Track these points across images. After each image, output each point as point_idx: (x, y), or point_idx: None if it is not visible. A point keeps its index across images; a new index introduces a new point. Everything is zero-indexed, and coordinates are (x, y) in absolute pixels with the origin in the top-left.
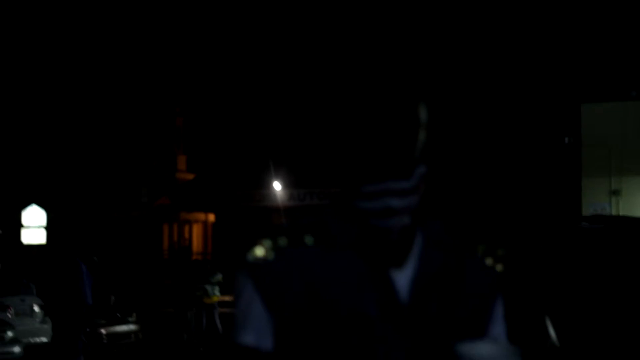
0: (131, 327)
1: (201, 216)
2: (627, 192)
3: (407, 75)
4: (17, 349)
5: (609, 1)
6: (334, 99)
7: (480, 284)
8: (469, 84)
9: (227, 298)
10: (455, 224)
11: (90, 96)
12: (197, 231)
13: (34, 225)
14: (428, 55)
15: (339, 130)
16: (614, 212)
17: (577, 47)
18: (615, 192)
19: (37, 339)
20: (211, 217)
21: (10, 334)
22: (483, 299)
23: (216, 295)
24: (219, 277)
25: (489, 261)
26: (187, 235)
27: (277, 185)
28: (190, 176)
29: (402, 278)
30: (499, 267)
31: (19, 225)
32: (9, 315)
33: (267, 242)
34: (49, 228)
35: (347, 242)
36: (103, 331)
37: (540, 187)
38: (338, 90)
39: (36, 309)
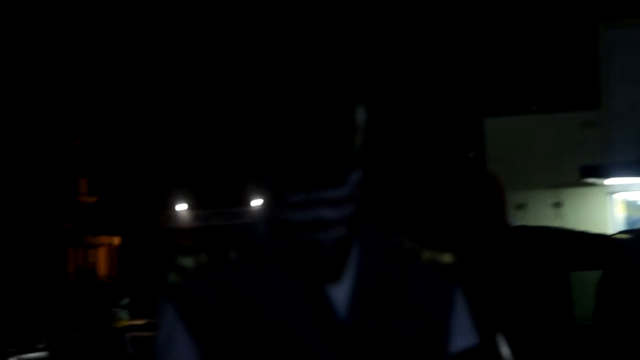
0: (41, 354)
1: (106, 239)
2: (532, 206)
3: (342, 72)
4: None
5: (507, 16)
6: (258, 97)
7: (430, 295)
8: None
9: (137, 322)
10: (396, 231)
11: None
12: (102, 255)
13: None
14: (364, 53)
15: (262, 131)
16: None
17: (478, 61)
18: (521, 206)
19: None
20: (116, 240)
21: None
22: (435, 312)
23: (125, 319)
24: (127, 300)
25: (437, 269)
26: (92, 259)
27: (181, 207)
28: (93, 199)
29: (339, 294)
30: (451, 274)
31: None
32: None
33: (188, 261)
34: None
35: (275, 256)
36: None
37: (450, 200)
38: (262, 88)
39: None
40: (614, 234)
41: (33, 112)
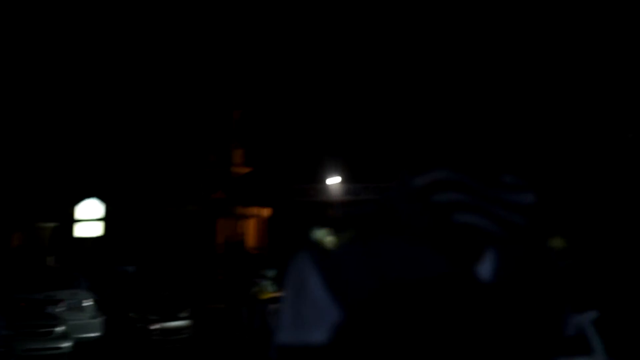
0: (183, 322)
1: (256, 211)
2: None
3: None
4: (66, 344)
5: None
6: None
7: (557, 279)
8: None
9: (282, 294)
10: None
11: (147, 90)
12: (252, 226)
13: (89, 218)
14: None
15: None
16: None
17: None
18: None
19: (88, 335)
20: (266, 212)
21: (60, 328)
22: (560, 296)
23: (270, 291)
24: (274, 272)
25: (560, 254)
26: (241, 229)
27: (332, 180)
28: (246, 170)
29: (485, 273)
30: (567, 261)
31: (72, 219)
32: (61, 310)
33: (329, 233)
34: (106, 220)
35: (421, 232)
36: (155, 327)
37: (604, 183)
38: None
39: (86, 303)
40: None
41: (193, 82)
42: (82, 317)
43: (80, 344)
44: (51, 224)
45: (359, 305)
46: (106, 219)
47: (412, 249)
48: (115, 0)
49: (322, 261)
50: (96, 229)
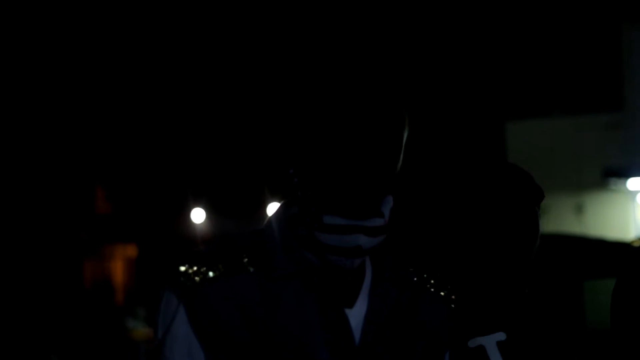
0: None
1: (122, 248)
2: (553, 209)
3: (390, 92)
4: None
5: (528, 16)
6: (303, 113)
7: (434, 325)
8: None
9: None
10: (406, 255)
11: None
12: (118, 264)
13: None
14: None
15: (306, 148)
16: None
17: (498, 64)
18: (541, 209)
19: None
20: (132, 250)
21: None
22: (436, 342)
23: (141, 330)
24: (143, 311)
25: (442, 295)
26: (108, 268)
27: (197, 214)
28: (108, 207)
29: (355, 317)
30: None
31: None
32: None
33: (198, 266)
34: None
35: (292, 273)
36: None
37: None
38: (308, 105)
39: None
40: (633, 241)
41: (48, 118)
42: None
43: None
44: None
45: (222, 346)
46: None
47: (281, 288)
48: None
49: (188, 298)
50: None
